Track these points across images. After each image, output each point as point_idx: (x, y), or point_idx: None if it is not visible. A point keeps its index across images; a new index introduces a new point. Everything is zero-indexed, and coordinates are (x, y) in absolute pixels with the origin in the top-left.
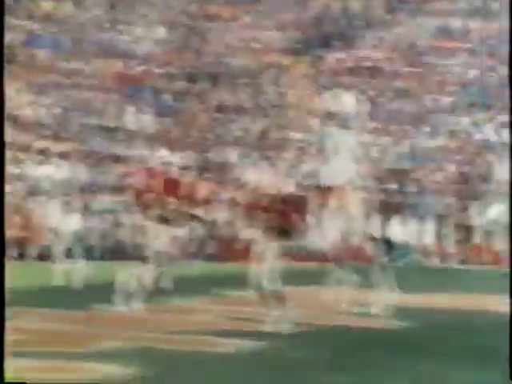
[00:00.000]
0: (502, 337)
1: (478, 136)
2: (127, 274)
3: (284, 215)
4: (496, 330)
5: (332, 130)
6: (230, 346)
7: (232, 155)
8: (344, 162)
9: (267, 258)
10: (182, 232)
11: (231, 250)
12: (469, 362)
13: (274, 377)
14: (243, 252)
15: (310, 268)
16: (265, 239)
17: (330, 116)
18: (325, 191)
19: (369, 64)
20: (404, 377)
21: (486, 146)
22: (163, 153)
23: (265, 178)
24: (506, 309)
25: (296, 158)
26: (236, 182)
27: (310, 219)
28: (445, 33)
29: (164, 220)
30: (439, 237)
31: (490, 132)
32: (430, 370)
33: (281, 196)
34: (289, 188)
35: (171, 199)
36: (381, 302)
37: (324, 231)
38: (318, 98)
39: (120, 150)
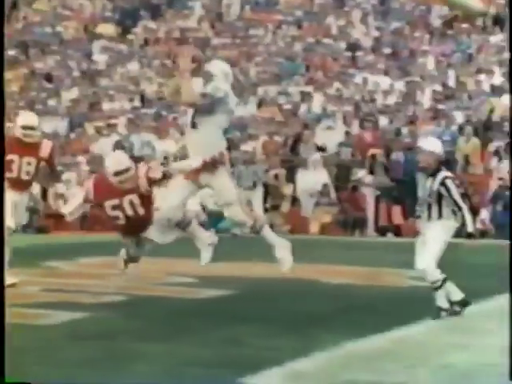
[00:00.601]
0: (316, 303)
1: (303, 108)
2: None
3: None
4: (318, 298)
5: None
6: (54, 317)
7: (61, 125)
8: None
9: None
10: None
11: (62, 221)
12: (283, 328)
13: (92, 346)
14: (74, 224)
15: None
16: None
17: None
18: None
19: (197, 35)
20: (213, 343)
21: (310, 118)
22: None
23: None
24: (322, 277)
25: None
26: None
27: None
28: (269, 5)
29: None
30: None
31: (316, 104)
32: (239, 336)
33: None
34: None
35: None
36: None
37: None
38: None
39: None
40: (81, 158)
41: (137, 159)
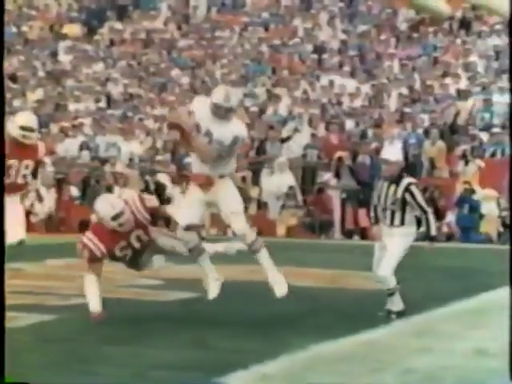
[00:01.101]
0: (283, 306)
1: (269, 110)
2: None
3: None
4: (284, 301)
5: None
6: (21, 320)
7: None
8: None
9: None
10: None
11: (27, 223)
12: (250, 331)
13: (58, 349)
14: (40, 225)
15: None
16: None
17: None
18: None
19: (163, 36)
20: (179, 346)
21: (276, 120)
22: None
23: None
24: (289, 280)
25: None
26: None
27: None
28: (236, 7)
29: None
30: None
31: (282, 106)
32: (206, 339)
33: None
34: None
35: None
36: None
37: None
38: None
39: None
40: (46, 159)
41: (102, 160)
